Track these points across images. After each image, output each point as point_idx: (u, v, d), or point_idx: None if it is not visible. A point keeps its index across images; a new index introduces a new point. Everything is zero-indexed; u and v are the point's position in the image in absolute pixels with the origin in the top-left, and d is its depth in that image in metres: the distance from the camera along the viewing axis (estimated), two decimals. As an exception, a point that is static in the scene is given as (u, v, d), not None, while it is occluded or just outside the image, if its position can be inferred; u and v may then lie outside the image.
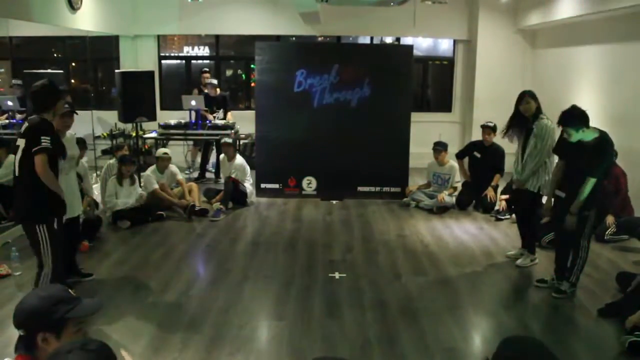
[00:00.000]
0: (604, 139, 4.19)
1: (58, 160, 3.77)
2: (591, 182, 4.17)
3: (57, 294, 1.80)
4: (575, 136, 4.18)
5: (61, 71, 8.95)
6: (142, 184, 6.81)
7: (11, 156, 5.60)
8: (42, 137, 3.56)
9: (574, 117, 4.15)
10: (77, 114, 4.45)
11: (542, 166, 4.86)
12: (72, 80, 9.91)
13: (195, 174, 8.78)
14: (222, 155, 7.46)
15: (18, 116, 7.34)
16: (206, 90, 8.66)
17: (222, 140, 7.32)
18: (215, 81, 8.65)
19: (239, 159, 7.29)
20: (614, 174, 5.91)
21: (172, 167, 7.04)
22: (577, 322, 4.09)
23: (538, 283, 4.69)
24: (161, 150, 7.16)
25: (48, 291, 1.82)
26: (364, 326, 3.92)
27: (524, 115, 4.94)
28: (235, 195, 7.00)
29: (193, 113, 8.08)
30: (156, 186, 6.66)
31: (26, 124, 3.72)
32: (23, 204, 3.70)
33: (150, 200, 6.56)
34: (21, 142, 3.63)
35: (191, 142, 8.98)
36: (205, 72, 8.97)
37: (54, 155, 3.70)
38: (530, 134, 4.90)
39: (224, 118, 8.52)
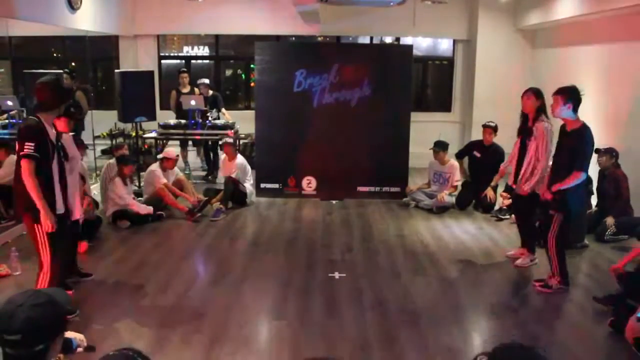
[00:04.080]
0: (584, 129, 4.28)
1: (49, 162, 3.67)
2: (577, 176, 4.22)
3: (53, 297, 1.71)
4: (562, 110, 4.27)
5: (61, 71, 8.94)
6: (142, 183, 6.79)
7: (12, 156, 5.62)
8: (25, 144, 3.52)
9: (571, 91, 4.28)
10: (82, 117, 4.45)
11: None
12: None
13: (193, 174, 8.79)
14: (223, 155, 7.45)
15: (12, 113, 7.30)
16: (185, 91, 8.57)
17: (223, 140, 7.31)
18: (207, 81, 8.63)
19: (240, 159, 7.28)
20: (614, 177, 5.91)
21: None
22: (576, 322, 4.09)
23: (536, 283, 4.69)
24: (173, 152, 7.06)
25: (45, 297, 1.68)
26: (363, 326, 3.92)
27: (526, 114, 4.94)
28: (235, 195, 7.00)
29: (190, 113, 8.04)
30: (164, 180, 6.64)
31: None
32: (22, 203, 3.70)
33: (152, 200, 6.54)
34: (17, 144, 3.64)
35: (190, 143, 8.97)
36: (183, 72, 8.81)
37: (46, 158, 3.63)
38: (529, 136, 4.89)
39: (217, 118, 8.51)
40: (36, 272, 3.81)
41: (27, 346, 1.52)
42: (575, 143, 4.27)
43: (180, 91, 8.59)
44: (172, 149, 7.37)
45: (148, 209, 6.32)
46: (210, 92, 8.65)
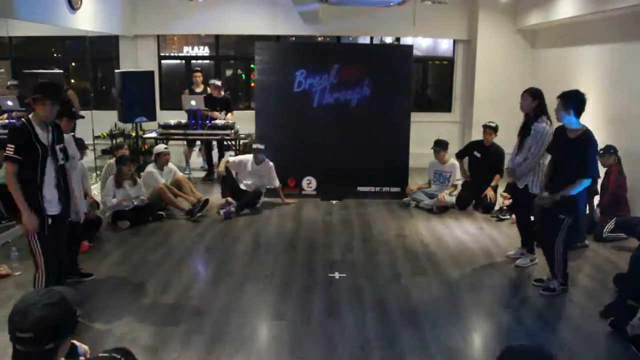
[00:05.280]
0: (586, 134, 4.27)
1: (39, 163, 3.64)
2: (584, 183, 4.23)
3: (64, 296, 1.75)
4: (563, 115, 4.27)
5: (61, 71, 8.96)
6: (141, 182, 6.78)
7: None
8: (7, 145, 3.54)
9: (573, 96, 4.26)
10: (83, 117, 4.43)
11: (537, 166, 4.85)
12: (72, 80, 9.91)
13: (194, 174, 8.80)
14: (247, 159, 7.24)
15: (15, 115, 7.31)
16: (198, 90, 8.61)
17: (254, 146, 7.18)
18: (219, 82, 8.62)
19: (271, 163, 7.19)
20: (610, 171, 5.94)
21: (171, 165, 7.04)
22: (576, 322, 4.09)
23: (536, 283, 4.70)
24: (161, 146, 7.13)
25: (57, 295, 1.72)
26: (364, 326, 3.92)
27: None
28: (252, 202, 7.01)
29: (192, 113, 8.06)
30: (162, 180, 6.65)
31: None
32: (16, 205, 3.70)
33: (153, 199, 6.53)
34: None
35: (198, 142, 8.98)
36: (197, 71, 8.87)
37: (33, 159, 3.61)
38: (528, 134, 4.89)
39: (224, 118, 8.52)
40: (33, 274, 3.81)
41: (38, 344, 1.53)
42: (580, 150, 4.24)
43: (194, 90, 8.64)
44: (160, 145, 7.38)
45: (125, 201, 6.25)
46: (222, 93, 8.64)
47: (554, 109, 4.40)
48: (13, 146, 3.53)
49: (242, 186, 7.09)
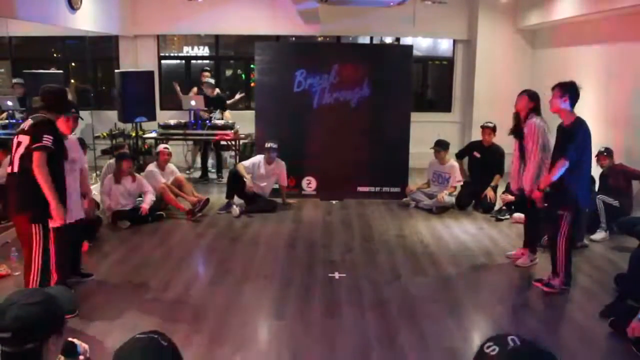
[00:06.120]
0: (578, 122, 4.31)
1: (61, 161, 3.81)
2: (562, 163, 4.24)
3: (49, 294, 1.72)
4: (558, 102, 4.32)
5: (61, 71, 8.96)
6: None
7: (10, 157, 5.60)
8: (44, 136, 3.59)
9: (569, 85, 4.34)
10: (82, 119, 4.46)
11: (542, 164, 4.84)
12: (72, 80, 9.91)
13: (196, 174, 8.81)
14: (258, 160, 7.16)
15: (17, 115, 7.33)
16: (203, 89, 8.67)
17: (267, 145, 7.05)
18: (212, 80, 8.65)
19: (282, 162, 7.15)
20: (619, 169, 5.96)
21: (171, 165, 7.03)
22: (576, 322, 4.09)
23: (536, 282, 4.69)
24: (161, 145, 7.15)
25: (40, 294, 1.69)
26: (364, 326, 3.92)
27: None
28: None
29: (192, 113, 8.07)
30: (164, 180, 6.66)
31: (30, 121, 3.72)
32: (21, 201, 3.70)
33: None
34: (24, 139, 3.64)
35: (191, 142, 8.99)
36: (205, 71, 8.97)
37: (57, 156, 3.73)
38: (521, 136, 4.90)
39: (221, 118, 8.52)
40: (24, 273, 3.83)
41: (17, 344, 1.53)
42: (569, 136, 4.29)
43: (202, 89, 8.68)
44: (161, 145, 7.40)
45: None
46: (217, 91, 8.65)
47: (548, 100, 4.43)
48: (52, 138, 3.61)
49: (256, 190, 6.98)
